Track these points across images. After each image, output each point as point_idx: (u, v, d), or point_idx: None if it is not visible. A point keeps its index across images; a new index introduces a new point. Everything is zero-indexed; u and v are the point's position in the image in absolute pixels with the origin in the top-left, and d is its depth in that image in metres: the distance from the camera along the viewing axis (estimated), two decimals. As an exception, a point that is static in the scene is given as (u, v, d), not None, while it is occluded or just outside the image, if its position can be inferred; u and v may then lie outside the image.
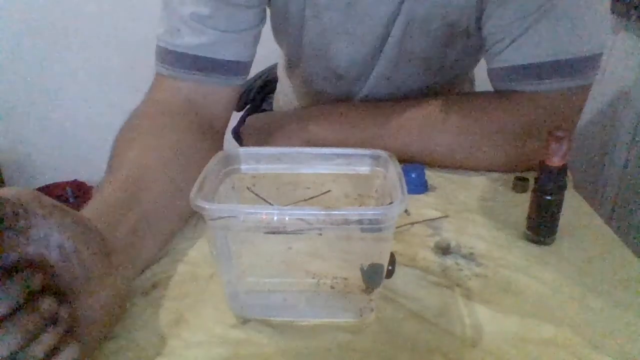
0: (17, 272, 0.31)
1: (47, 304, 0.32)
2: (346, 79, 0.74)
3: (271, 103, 1.57)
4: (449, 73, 0.75)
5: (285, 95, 0.98)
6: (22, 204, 0.32)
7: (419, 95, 0.78)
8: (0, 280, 0.30)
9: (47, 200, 0.34)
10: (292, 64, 0.82)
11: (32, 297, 0.31)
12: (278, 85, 1.03)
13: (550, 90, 0.60)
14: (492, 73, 0.64)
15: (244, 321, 0.42)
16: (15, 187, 0.34)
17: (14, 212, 0.31)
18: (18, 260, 0.32)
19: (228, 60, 0.63)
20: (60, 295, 0.34)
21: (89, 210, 0.43)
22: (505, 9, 0.59)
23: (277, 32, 0.75)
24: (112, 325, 0.40)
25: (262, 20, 0.66)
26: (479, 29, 0.66)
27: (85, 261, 0.35)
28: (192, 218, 0.56)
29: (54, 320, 0.32)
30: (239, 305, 0.43)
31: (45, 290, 0.32)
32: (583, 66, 0.58)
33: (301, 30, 0.69)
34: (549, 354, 0.39)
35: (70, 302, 0.34)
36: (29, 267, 0.32)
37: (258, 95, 1.57)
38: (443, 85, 0.77)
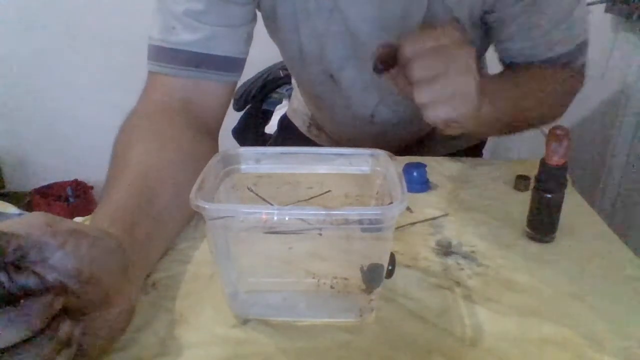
0: (35, 296, 0.31)
1: (65, 328, 0.32)
2: (340, 83, 0.74)
3: (271, 103, 1.58)
4: None
5: (299, 101, 0.98)
6: (31, 237, 0.32)
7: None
8: (21, 304, 0.30)
9: (63, 226, 0.34)
10: (292, 68, 0.82)
11: (51, 320, 0.31)
12: (293, 92, 1.04)
13: (581, 64, 0.71)
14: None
15: (244, 321, 0.42)
16: (30, 215, 0.33)
17: (17, 247, 0.31)
18: (38, 286, 0.32)
19: (222, 56, 0.63)
20: (76, 313, 0.34)
21: (102, 217, 0.42)
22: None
23: (273, 35, 0.75)
24: (121, 335, 0.40)
25: (254, 18, 0.67)
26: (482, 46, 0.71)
27: (103, 284, 0.35)
28: (192, 218, 0.56)
29: (68, 342, 0.32)
30: (239, 305, 0.43)
31: (63, 310, 0.32)
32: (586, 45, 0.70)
33: (297, 34, 0.70)
34: (549, 354, 0.39)
35: (84, 320, 0.34)
36: (49, 291, 0.31)
37: (258, 95, 1.57)
38: None
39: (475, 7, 0.65)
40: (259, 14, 0.69)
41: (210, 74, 0.63)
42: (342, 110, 0.80)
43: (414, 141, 0.88)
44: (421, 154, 0.78)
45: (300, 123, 0.99)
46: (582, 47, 0.69)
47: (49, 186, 2.07)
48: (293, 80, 1.01)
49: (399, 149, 0.87)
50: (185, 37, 0.61)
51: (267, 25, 0.73)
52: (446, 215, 0.58)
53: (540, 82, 0.67)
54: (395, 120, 0.80)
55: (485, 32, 0.71)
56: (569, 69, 0.69)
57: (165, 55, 0.62)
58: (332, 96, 0.79)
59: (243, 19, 0.64)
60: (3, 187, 2.12)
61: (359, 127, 0.82)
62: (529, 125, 0.69)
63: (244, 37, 0.65)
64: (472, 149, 0.96)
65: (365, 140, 0.84)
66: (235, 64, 0.65)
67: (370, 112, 0.79)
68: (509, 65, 0.71)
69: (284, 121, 1.05)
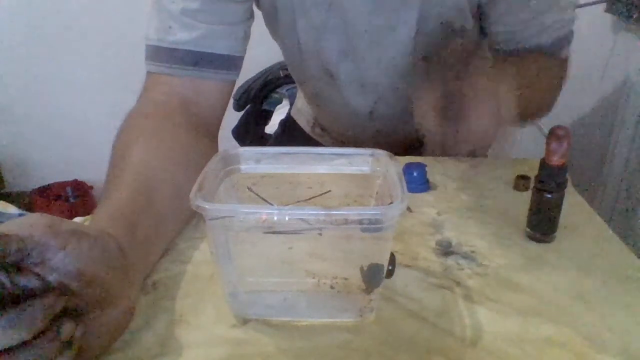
0: (36, 297, 0.31)
1: (67, 329, 0.32)
2: (338, 78, 0.74)
3: (271, 103, 1.58)
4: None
5: (303, 101, 0.98)
6: (32, 238, 0.32)
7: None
8: (22, 306, 0.30)
9: (64, 227, 0.34)
10: (292, 68, 0.82)
11: (52, 321, 0.31)
12: (297, 91, 1.04)
13: (566, 57, 0.71)
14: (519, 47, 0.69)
15: (244, 321, 0.42)
16: (31, 216, 0.33)
17: (19, 248, 0.31)
18: (39, 287, 0.32)
19: (220, 54, 0.63)
20: (77, 313, 0.34)
21: (102, 218, 0.42)
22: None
23: (272, 32, 0.75)
24: (120, 335, 0.40)
25: (251, 16, 0.67)
26: (481, 31, 0.71)
27: (104, 284, 0.35)
28: (192, 218, 0.56)
29: (69, 343, 0.32)
30: (239, 305, 0.43)
31: (64, 311, 0.32)
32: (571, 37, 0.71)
33: (294, 30, 0.70)
34: (549, 354, 0.39)
35: (84, 321, 0.34)
36: (50, 292, 0.32)
37: (258, 95, 1.57)
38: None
39: None
40: (258, 12, 0.69)
41: (208, 73, 0.63)
42: (341, 107, 0.81)
43: (416, 139, 0.88)
44: (424, 154, 0.78)
45: (304, 123, 0.99)
46: (568, 37, 0.69)
47: (49, 186, 2.07)
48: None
49: (400, 148, 0.87)
50: (182, 36, 0.61)
51: (267, 23, 0.73)
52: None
53: (536, 70, 0.67)
54: (395, 116, 0.80)
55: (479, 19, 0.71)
56: (556, 59, 0.69)
57: (163, 55, 0.62)
58: (331, 93, 0.79)
59: (240, 16, 0.64)
60: (3, 187, 2.12)
61: (359, 124, 0.82)
62: (528, 117, 0.68)
63: (241, 35, 0.65)
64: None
65: (366, 139, 0.84)
66: (233, 62, 0.65)
67: (369, 109, 0.79)
68: (498, 54, 0.71)
69: (288, 121, 1.05)
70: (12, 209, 1.42)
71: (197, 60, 0.62)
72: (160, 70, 0.62)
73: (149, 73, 0.64)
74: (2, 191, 2.10)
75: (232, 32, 0.64)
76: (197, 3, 0.60)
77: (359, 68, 0.73)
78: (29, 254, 0.31)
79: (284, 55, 0.80)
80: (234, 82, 0.68)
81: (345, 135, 0.90)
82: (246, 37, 0.66)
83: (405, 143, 0.88)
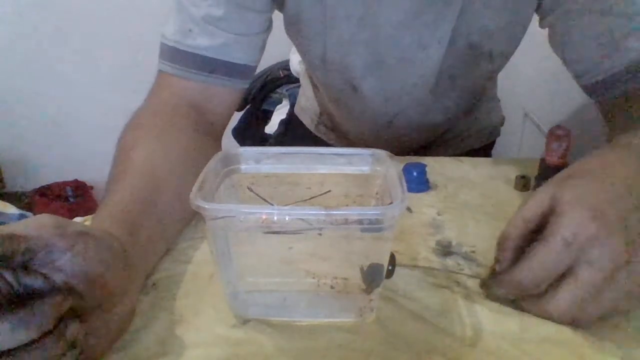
0: (43, 297, 0.31)
1: (72, 329, 0.32)
2: (361, 92, 0.74)
3: (271, 103, 1.58)
4: (472, 93, 0.76)
5: (307, 98, 0.98)
6: (40, 239, 0.32)
7: (444, 112, 0.78)
8: (29, 306, 0.30)
9: (71, 228, 0.34)
10: (312, 71, 0.82)
11: (58, 321, 0.31)
12: (300, 89, 1.03)
13: None
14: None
15: (244, 321, 0.42)
16: (38, 217, 0.34)
17: (27, 249, 0.31)
18: (45, 287, 0.32)
19: (237, 64, 0.63)
20: (80, 314, 0.34)
21: (105, 218, 0.42)
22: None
23: (293, 38, 0.75)
24: (121, 335, 0.40)
25: (270, 26, 0.67)
26: (504, 56, 0.70)
27: (109, 285, 0.35)
28: (192, 218, 0.56)
29: (73, 343, 0.32)
30: (239, 305, 0.43)
31: (68, 311, 0.32)
32: None
33: (320, 42, 0.69)
34: (549, 354, 0.39)
35: (87, 321, 0.34)
36: (56, 292, 0.32)
37: (258, 95, 1.57)
38: (465, 107, 0.80)
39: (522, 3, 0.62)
40: (275, 18, 0.69)
41: (222, 80, 0.63)
42: (360, 115, 0.80)
43: (428, 142, 0.89)
44: (435, 154, 0.78)
45: (308, 121, 0.99)
46: None
47: (49, 186, 2.07)
48: (301, 79, 1.01)
49: (413, 150, 0.87)
50: (202, 42, 0.61)
51: (288, 28, 0.72)
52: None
53: None
54: (414, 126, 0.80)
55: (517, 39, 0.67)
56: None
57: (180, 57, 0.62)
58: (351, 103, 0.78)
59: (260, 27, 0.64)
60: (3, 187, 2.13)
61: (375, 130, 0.82)
62: None
63: (259, 45, 0.66)
64: (483, 149, 0.96)
65: (380, 142, 0.84)
66: (247, 71, 0.65)
67: (388, 119, 0.78)
68: (593, 89, 0.63)
69: (291, 118, 1.05)
70: (12, 209, 1.42)
71: (214, 67, 0.62)
72: (174, 71, 0.62)
73: (161, 72, 0.63)
74: (2, 191, 2.10)
75: (250, 42, 0.64)
76: (222, 11, 0.60)
77: (384, 84, 0.72)
78: (36, 254, 0.32)
79: (303, 58, 0.79)
80: (245, 89, 0.68)
81: (359, 137, 0.89)
82: (263, 47, 0.67)
83: (419, 146, 0.88)
